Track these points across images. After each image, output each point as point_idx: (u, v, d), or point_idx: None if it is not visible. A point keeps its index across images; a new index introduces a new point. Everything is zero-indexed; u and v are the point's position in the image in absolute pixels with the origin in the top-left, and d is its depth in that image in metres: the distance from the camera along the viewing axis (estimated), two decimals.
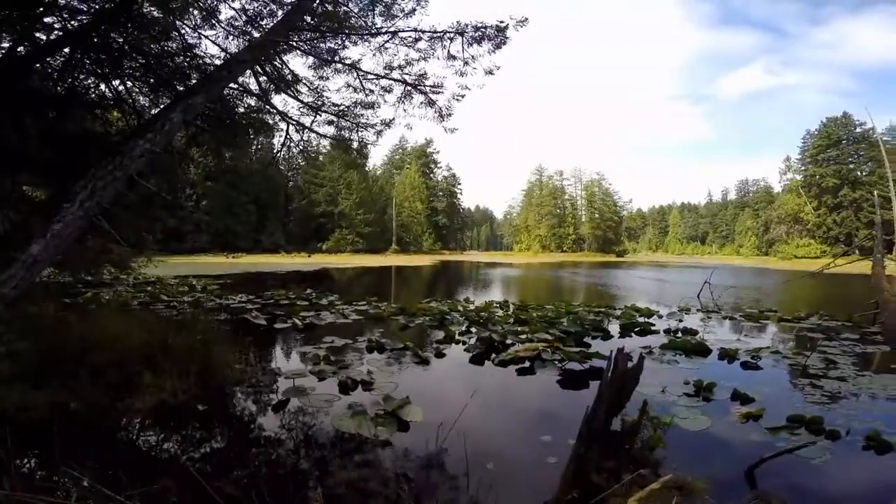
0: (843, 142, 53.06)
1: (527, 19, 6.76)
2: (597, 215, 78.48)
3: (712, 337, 7.13)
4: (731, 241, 75.08)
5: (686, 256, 75.94)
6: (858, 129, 52.50)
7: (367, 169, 66.07)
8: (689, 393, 4.42)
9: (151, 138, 4.35)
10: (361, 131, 10.06)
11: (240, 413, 4.05)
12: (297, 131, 9.06)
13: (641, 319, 8.49)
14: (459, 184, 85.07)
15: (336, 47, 7.63)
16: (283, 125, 8.60)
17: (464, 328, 7.23)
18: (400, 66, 7.89)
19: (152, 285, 12.44)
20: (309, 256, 43.77)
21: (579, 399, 4.22)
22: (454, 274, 27.81)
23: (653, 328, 7.75)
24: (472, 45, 7.49)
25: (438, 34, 7.39)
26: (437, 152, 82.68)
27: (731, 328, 8.30)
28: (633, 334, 7.49)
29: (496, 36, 7.24)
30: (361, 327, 7.63)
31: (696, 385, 4.52)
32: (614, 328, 7.84)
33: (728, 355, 5.88)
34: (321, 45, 7.57)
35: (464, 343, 6.42)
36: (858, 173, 51.64)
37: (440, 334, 7.04)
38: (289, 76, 7.86)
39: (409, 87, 8.25)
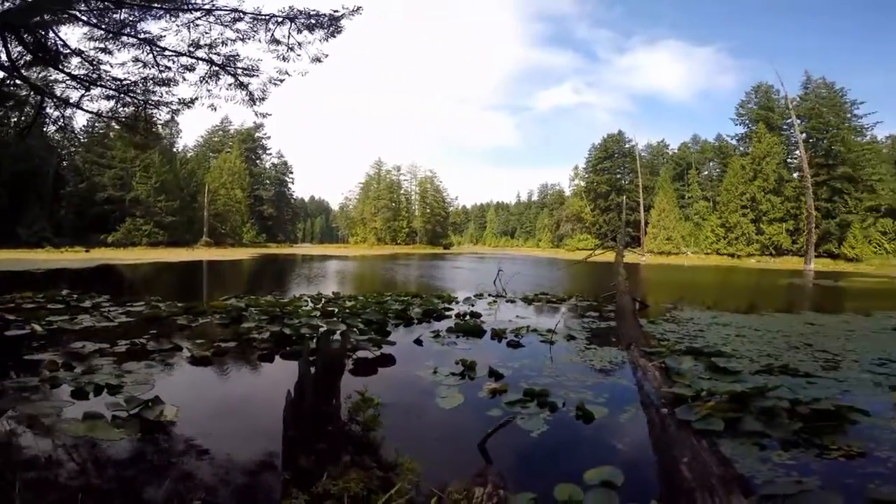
0: (615, 155, 65.96)
1: (360, 8, 6.70)
2: (428, 210, 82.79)
3: (492, 319, 8.19)
4: (533, 235, 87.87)
5: (500, 248, 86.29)
6: (627, 145, 65.53)
7: (175, 150, 57.10)
8: (455, 372, 4.74)
9: None
10: (152, 109, 8.82)
11: None
12: (56, 106, 7.51)
13: (441, 305, 9.27)
14: (291, 172, 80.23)
15: (133, 19, 6.51)
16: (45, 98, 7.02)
17: (258, 324, 6.82)
18: (209, 45, 7.13)
19: None
20: (87, 251, 35.55)
21: (367, 386, 4.46)
22: (278, 268, 26.00)
23: (447, 313, 8.56)
24: (301, 31, 7.18)
25: (264, 17, 6.89)
26: (268, 137, 76.40)
27: (509, 310, 9.46)
28: (431, 320, 8.09)
29: (330, 25, 7.05)
30: (129, 330, 6.55)
31: (464, 364, 4.85)
32: (418, 314, 8.32)
33: (498, 335, 6.69)
34: (114, 15, 6.38)
35: (254, 339, 6.07)
36: (623, 182, 65.08)
37: (228, 332, 6.51)
38: (57, 46, 6.40)
39: (217, 68, 7.53)
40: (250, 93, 8.05)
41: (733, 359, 5.36)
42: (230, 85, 7.88)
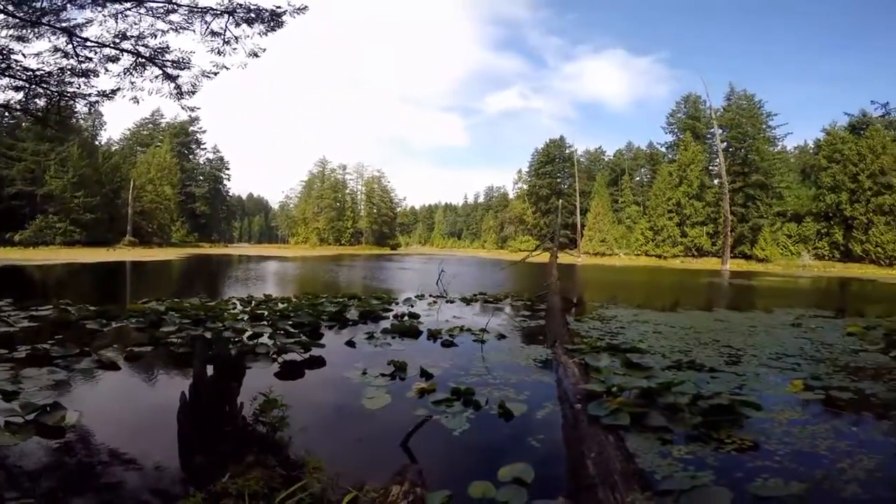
0: (556, 160, 68.42)
1: (305, 7, 6.50)
2: (375, 211, 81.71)
3: (430, 319, 8.25)
4: (479, 237, 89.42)
5: (447, 249, 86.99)
6: (567, 151, 68.12)
7: (97, 143, 52.58)
8: (385, 373, 4.73)
9: None
10: (67, 101, 8.19)
11: None
12: None
13: (380, 307, 9.19)
14: (228, 168, 76.26)
15: (55, 7, 5.99)
16: None
17: (179, 328, 6.42)
18: (137, 36, 6.69)
19: None
20: None
21: (292, 389, 4.36)
22: (209, 270, 24.59)
23: (385, 315, 8.51)
24: (240, 25, 6.91)
25: (201, 10, 6.54)
26: (203, 132, 72.19)
27: (449, 310, 9.54)
28: (368, 322, 8.01)
29: (271, 20, 6.82)
30: (32, 335, 5.96)
31: (395, 365, 4.86)
32: (354, 315, 8.19)
33: (434, 335, 6.77)
34: (33, 3, 5.85)
35: (171, 344, 5.71)
36: (563, 186, 67.74)
37: (143, 336, 6.09)
38: None
39: (144, 60, 7.08)
40: (178, 86, 7.62)
41: (648, 355, 5.74)
42: (157, 77, 7.46)
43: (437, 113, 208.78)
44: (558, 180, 68.00)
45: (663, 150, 58.51)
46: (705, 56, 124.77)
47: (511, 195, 79.32)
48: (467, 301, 10.76)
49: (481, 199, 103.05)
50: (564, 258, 52.63)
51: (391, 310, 9.01)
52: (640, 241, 52.98)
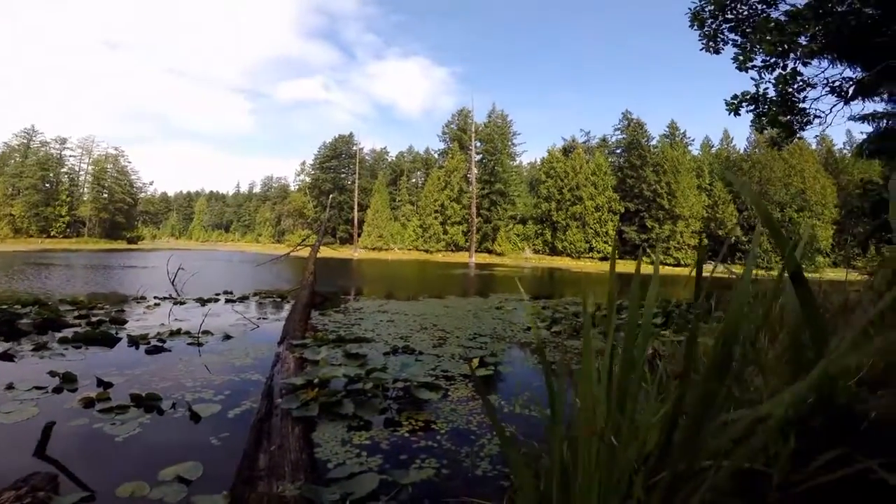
0: (343, 155, 68.33)
1: None
2: (106, 196, 65.40)
3: (142, 324, 6.98)
4: (253, 230, 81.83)
5: (210, 243, 76.38)
6: (354, 148, 68.77)
7: None
8: (41, 386, 3.97)
9: None
10: None
11: None
12: None
13: (75, 313, 7.29)
14: None
15: None
16: None
17: None
18: None
19: None
20: None
21: None
22: None
23: (73, 322, 6.78)
24: None
25: None
26: None
27: (176, 312, 8.31)
28: (49, 331, 6.23)
29: None
30: None
31: (62, 377, 4.13)
32: (27, 325, 6.25)
33: (137, 341, 5.76)
34: None
35: None
36: (347, 182, 68.06)
37: None
38: None
39: None
40: None
41: (372, 343, 6.10)
42: None
43: (221, 93, 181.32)
44: (343, 175, 68.06)
45: (436, 156, 65.19)
46: (489, 75, 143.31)
47: (292, 187, 75.25)
48: (203, 302, 9.54)
49: (258, 189, 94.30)
50: (343, 252, 53.34)
51: (86, 316, 7.24)
52: (411, 237, 57.85)
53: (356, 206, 61.23)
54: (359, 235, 59.86)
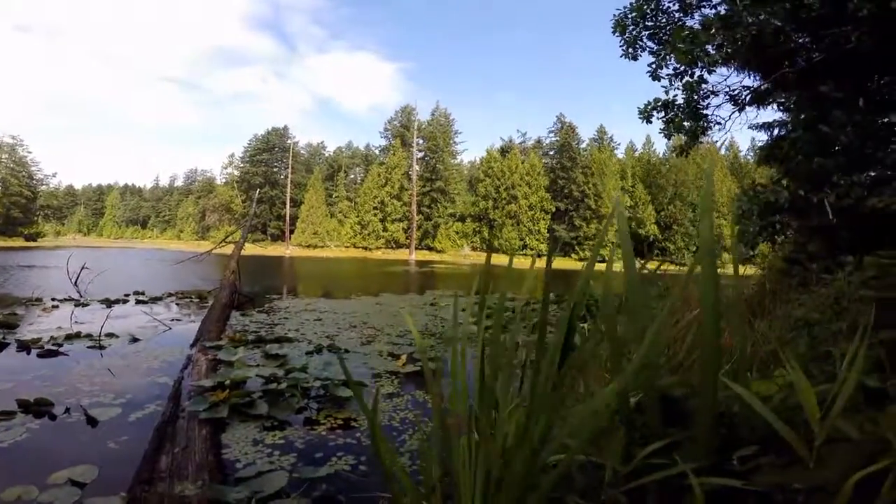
0: (276, 149, 64.99)
1: None
2: None
3: (35, 327, 6.36)
4: (174, 225, 76.05)
5: (123, 240, 69.99)
6: (289, 141, 65.66)
7: None
8: None
9: None
10: None
11: None
12: None
13: None
14: None
15: None
16: None
17: None
18: None
19: None
20: None
21: None
22: None
23: None
24: None
25: None
26: None
27: (77, 314, 7.55)
28: None
29: None
30: None
31: None
32: None
33: (28, 346, 5.28)
34: None
35: None
36: (279, 176, 65.08)
37: None
38: None
39: None
40: None
41: (295, 343, 5.97)
42: None
43: (151, 81, 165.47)
44: (275, 169, 65.02)
45: (377, 152, 64.09)
46: (436, 73, 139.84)
47: (219, 181, 70.73)
48: (110, 303, 8.78)
49: (179, 182, 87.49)
50: (274, 250, 51.09)
51: None
52: (349, 234, 56.61)
53: (289, 202, 58.85)
54: (292, 232, 57.62)
